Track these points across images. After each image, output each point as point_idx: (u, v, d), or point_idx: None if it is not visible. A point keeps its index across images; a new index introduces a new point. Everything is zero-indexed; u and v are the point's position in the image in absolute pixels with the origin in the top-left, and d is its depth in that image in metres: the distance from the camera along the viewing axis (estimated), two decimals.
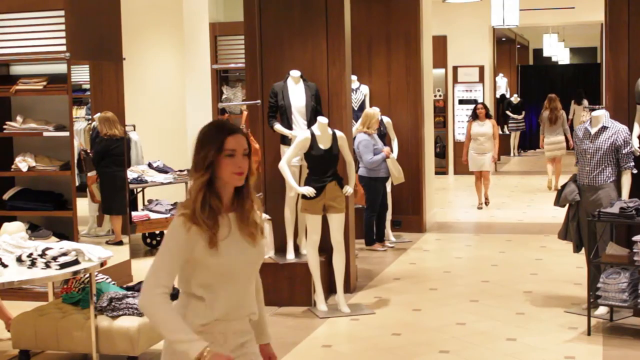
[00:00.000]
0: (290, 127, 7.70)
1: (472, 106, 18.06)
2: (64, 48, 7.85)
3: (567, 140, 14.99)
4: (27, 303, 6.95)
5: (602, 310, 6.96)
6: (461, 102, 18.88)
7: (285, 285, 7.64)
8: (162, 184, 10.73)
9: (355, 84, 10.73)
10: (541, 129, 15.74)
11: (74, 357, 6.28)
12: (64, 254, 5.68)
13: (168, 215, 10.24)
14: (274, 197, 8.02)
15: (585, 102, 22.71)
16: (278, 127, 7.72)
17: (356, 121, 10.05)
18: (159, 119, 12.47)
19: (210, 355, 2.95)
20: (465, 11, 17.84)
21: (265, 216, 7.73)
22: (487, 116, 13.45)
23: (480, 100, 18.47)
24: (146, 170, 10.69)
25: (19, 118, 8.23)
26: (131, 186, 10.03)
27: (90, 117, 8.78)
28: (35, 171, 8.16)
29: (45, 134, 8.07)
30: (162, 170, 10.90)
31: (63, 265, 5.61)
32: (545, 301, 7.75)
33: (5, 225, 6.66)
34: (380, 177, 9.97)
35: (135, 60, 11.22)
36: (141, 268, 9.15)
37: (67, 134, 7.95)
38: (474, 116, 13.52)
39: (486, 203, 13.66)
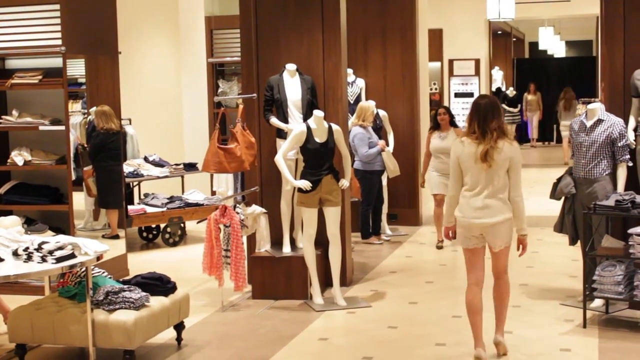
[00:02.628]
0: (286, 121, 7.68)
1: (468, 99, 18.05)
2: (59, 42, 7.83)
3: None
4: (24, 297, 6.95)
5: (597, 302, 6.98)
6: (457, 95, 18.87)
7: (282, 279, 7.65)
8: (158, 177, 10.74)
9: (351, 77, 10.72)
10: (558, 115, 19.22)
11: (70, 350, 6.28)
12: (60, 248, 5.68)
13: (164, 209, 10.25)
14: (270, 191, 8.02)
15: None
16: (274, 120, 7.71)
17: (352, 115, 10.05)
18: (154, 113, 12.47)
19: None
20: (461, 4, 17.83)
21: (261, 209, 7.74)
22: (452, 124, 9.79)
23: (476, 93, 18.45)
24: (142, 164, 10.69)
25: (14, 112, 8.22)
26: (127, 180, 10.03)
27: (86, 111, 8.78)
28: (31, 165, 8.16)
29: (41, 127, 8.06)
30: (158, 164, 10.91)
31: (59, 259, 5.61)
32: (541, 294, 7.76)
33: (1, 219, 6.65)
34: (376, 171, 9.99)
35: (131, 54, 11.20)
36: (137, 262, 9.16)
37: (62, 127, 7.94)
38: (435, 125, 9.84)
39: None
